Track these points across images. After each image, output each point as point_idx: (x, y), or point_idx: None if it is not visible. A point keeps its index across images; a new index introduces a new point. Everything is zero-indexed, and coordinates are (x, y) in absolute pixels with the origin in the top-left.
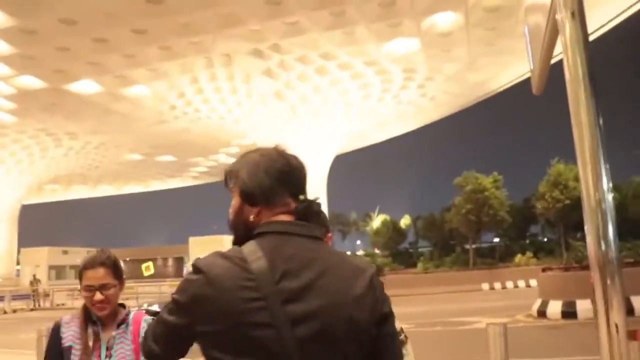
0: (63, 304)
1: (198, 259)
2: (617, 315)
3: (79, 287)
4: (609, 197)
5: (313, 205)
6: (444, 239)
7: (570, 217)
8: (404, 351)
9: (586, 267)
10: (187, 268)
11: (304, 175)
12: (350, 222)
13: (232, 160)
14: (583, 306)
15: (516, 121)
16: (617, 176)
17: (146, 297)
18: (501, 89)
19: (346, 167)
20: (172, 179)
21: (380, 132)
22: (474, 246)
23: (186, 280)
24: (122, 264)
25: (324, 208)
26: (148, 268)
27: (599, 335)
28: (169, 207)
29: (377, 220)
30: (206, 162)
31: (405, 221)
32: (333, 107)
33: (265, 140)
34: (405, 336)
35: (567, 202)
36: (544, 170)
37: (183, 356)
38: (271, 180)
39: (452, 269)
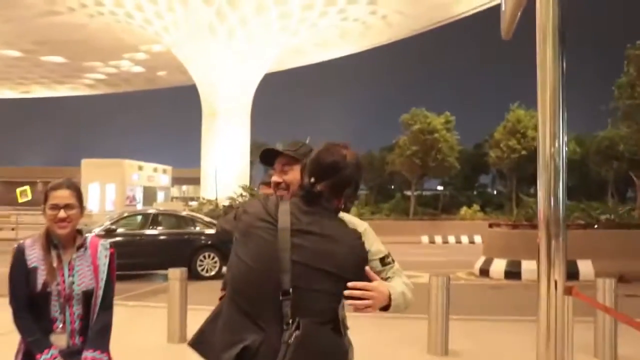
0: None
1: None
2: (558, 272)
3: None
4: (564, 150)
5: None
6: (383, 182)
7: (525, 170)
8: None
9: (536, 226)
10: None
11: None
12: None
13: (137, 68)
14: (528, 267)
15: (476, 57)
16: (581, 131)
17: (25, 230)
18: (463, 16)
19: (275, 88)
20: (61, 86)
21: (320, 52)
22: (415, 193)
23: None
24: None
25: (246, 136)
26: (24, 193)
27: (539, 290)
28: (56, 121)
29: None
30: (105, 68)
31: None
32: (267, 15)
33: (182, 49)
34: (392, 259)
35: (524, 152)
36: (501, 115)
37: None
38: None
39: (389, 217)
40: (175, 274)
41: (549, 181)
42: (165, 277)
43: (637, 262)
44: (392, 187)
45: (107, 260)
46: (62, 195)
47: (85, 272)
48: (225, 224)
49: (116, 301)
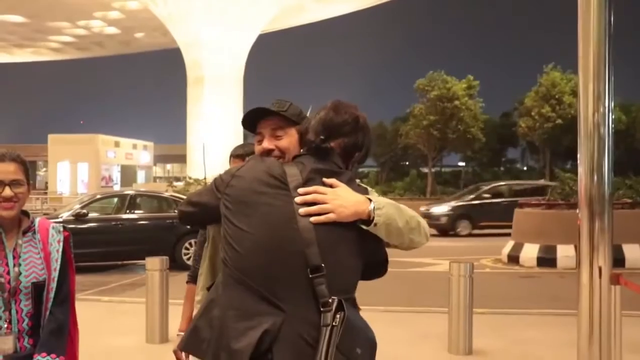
0: None
1: None
2: (602, 258)
3: None
4: (610, 119)
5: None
6: (396, 157)
7: (560, 142)
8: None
9: (574, 206)
10: (43, 177)
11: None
12: None
13: (111, 29)
14: (564, 252)
15: (504, 11)
16: (627, 96)
17: None
18: None
19: (271, 51)
20: (21, 50)
21: (322, 8)
22: (433, 170)
23: None
24: None
25: (237, 106)
26: None
27: (580, 279)
28: (16, 91)
29: None
30: (73, 29)
31: None
32: None
33: (163, 6)
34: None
35: (559, 121)
36: (532, 79)
37: None
38: None
39: (403, 196)
40: (154, 263)
41: (592, 153)
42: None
43: None
44: (407, 163)
45: (60, 246)
46: (7, 170)
47: (34, 260)
48: (193, 203)
49: (88, 296)
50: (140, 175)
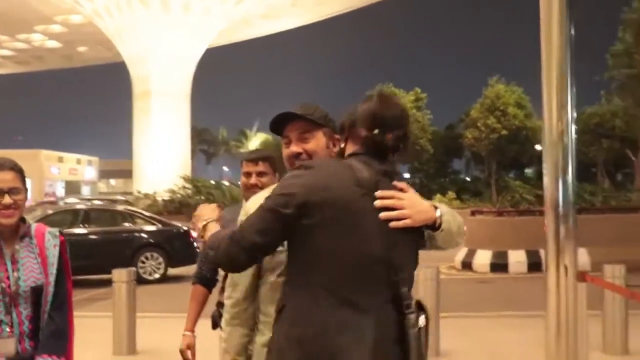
0: None
1: None
2: (568, 258)
3: None
4: (573, 128)
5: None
6: None
7: (505, 152)
8: None
9: (524, 212)
10: None
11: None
12: (219, 141)
13: (52, 43)
14: (516, 258)
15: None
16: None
17: None
18: None
19: (218, 66)
20: None
21: (269, 22)
22: None
23: None
24: None
25: (185, 121)
26: None
27: (547, 279)
28: None
29: (256, 141)
30: (13, 42)
31: None
32: None
33: (107, 21)
34: None
35: (504, 132)
36: (477, 93)
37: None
38: None
39: None
40: (121, 275)
41: (556, 160)
42: (104, 283)
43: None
44: None
45: (56, 251)
46: (6, 179)
47: (32, 265)
48: (261, 231)
49: None
50: (85, 191)
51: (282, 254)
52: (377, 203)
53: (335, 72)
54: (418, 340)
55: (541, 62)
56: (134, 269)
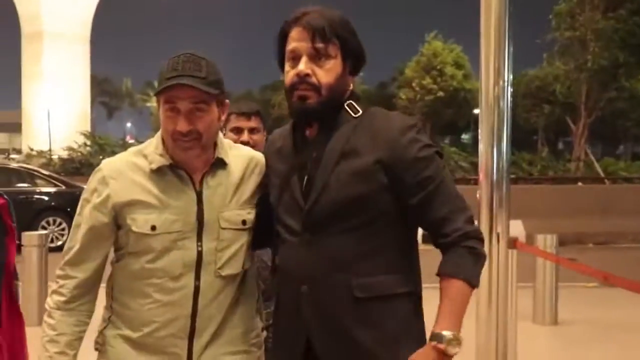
0: None
1: None
2: (501, 226)
3: None
4: (509, 92)
5: None
6: (268, 129)
7: (442, 115)
8: None
9: (459, 181)
10: None
11: None
12: (122, 93)
13: None
14: None
15: None
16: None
17: None
18: None
19: (124, 8)
20: None
21: None
22: None
23: None
24: None
25: (84, 68)
26: None
27: None
28: None
29: None
30: None
31: None
32: None
33: None
34: None
35: (441, 94)
36: (413, 48)
37: None
38: None
39: None
40: (32, 239)
41: (492, 126)
42: None
43: (574, 222)
44: None
45: None
46: None
47: None
48: None
49: None
50: None
51: (149, 237)
52: None
53: (253, 20)
54: None
55: (480, 19)
56: (45, 231)
